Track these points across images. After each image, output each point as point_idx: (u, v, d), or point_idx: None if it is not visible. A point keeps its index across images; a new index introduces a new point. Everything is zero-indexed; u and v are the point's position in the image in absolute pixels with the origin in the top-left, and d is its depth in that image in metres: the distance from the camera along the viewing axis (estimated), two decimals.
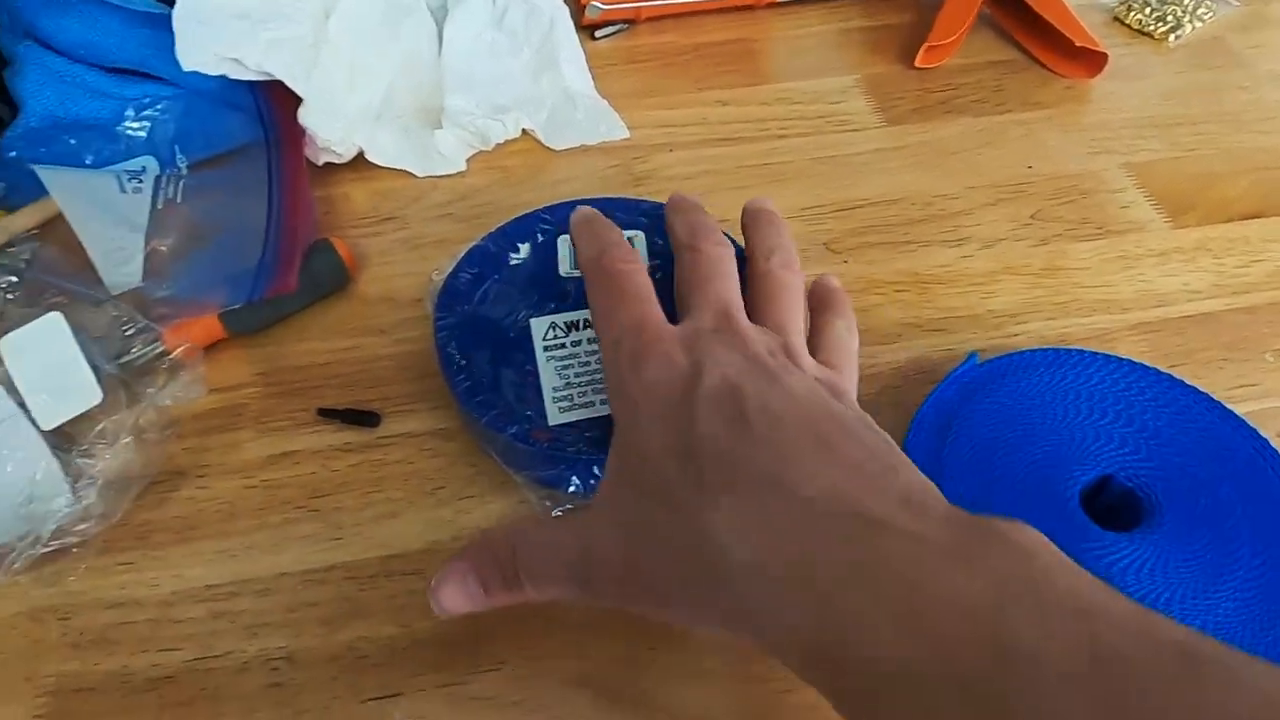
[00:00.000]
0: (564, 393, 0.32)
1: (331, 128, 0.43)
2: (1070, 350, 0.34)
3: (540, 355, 0.33)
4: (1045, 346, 0.35)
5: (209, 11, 0.41)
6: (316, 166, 0.44)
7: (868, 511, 0.21)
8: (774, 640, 0.22)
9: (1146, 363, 0.37)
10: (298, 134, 0.44)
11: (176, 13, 0.40)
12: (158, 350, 0.34)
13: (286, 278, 0.36)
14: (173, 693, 0.28)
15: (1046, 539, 0.20)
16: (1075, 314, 0.39)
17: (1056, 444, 0.31)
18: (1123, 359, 0.34)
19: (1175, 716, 0.16)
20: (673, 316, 0.29)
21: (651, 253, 0.37)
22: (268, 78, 0.42)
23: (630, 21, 0.55)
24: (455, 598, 0.27)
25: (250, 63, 0.42)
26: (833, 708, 0.21)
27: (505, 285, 0.35)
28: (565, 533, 0.26)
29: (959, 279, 0.41)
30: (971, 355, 0.34)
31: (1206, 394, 0.33)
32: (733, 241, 0.36)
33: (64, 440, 0.31)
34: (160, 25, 0.43)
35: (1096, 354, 0.34)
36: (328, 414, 0.35)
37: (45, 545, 0.29)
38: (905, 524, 0.21)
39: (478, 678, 0.29)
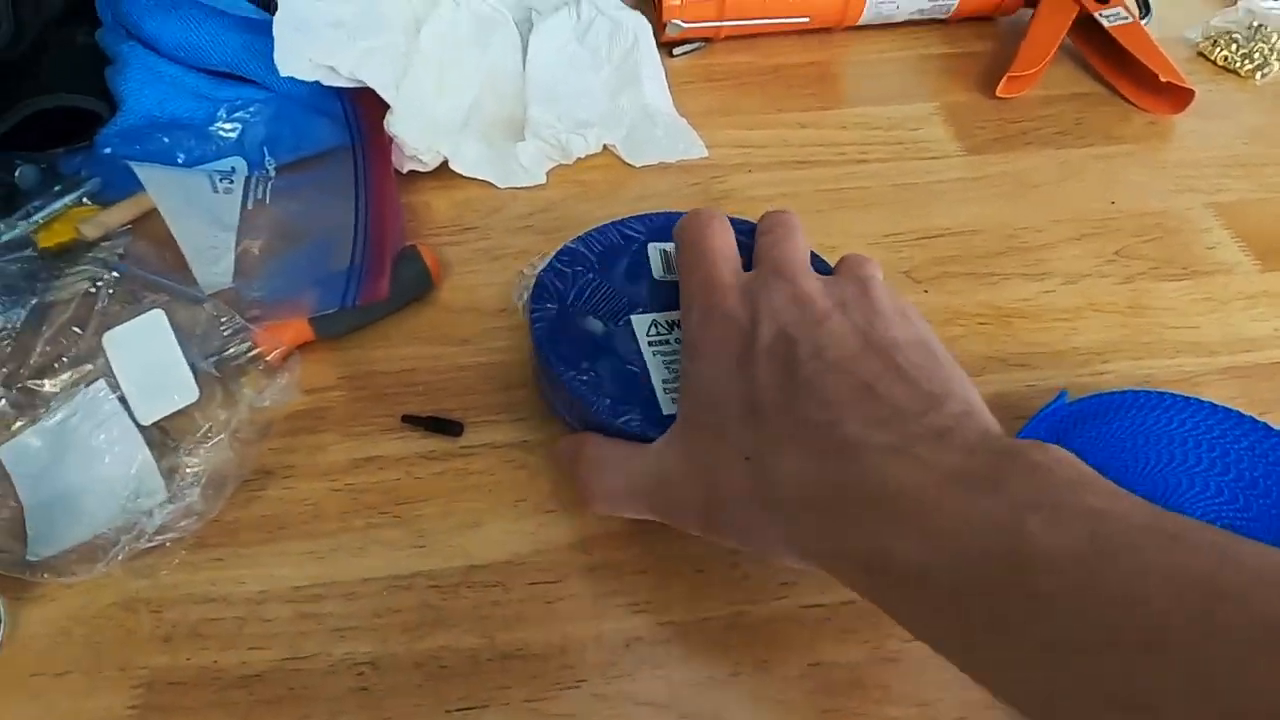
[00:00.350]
0: (674, 384, 0.31)
1: (419, 136, 0.43)
2: (1164, 393, 0.34)
3: (645, 351, 0.32)
4: (1135, 388, 0.34)
5: (307, 19, 0.42)
6: (400, 174, 0.45)
7: (896, 447, 0.24)
8: (821, 559, 0.26)
9: (1239, 409, 0.36)
10: (384, 141, 0.44)
11: (277, 19, 0.41)
12: (252, 351, 0.34)
13: (378, 285, 0.37)
14: (262, 690, 0.29)
15: (1068, 454, 0.23)
16: (1161, 355, 0.39)
17: (1151, 490, 0.31)
18: (1218, 405, 0.33)
19: (1147, 573, 0.19)
20: None
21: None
22: (360, 84, 0.43)
23: (708, 40, 0.55)
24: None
25: (344, 70, 0.43)
26: (871, 602, 0.25)
27: (596, 285, 0.35)
28: (639, 462, 0.29)
29: (1042, 314, 0.40)
30: (1062, 393, 0.34)
31: None
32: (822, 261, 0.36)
33: (162, 436, 0.32)
34: (256, 30, 0.44)
35: (1189, 399, 0.33)
36: (412, 421, 0.36)
37: (149, 540, 0.29)
38: (930, 456, 0.23)
39: (560, 694, 0.29)
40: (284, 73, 0.41)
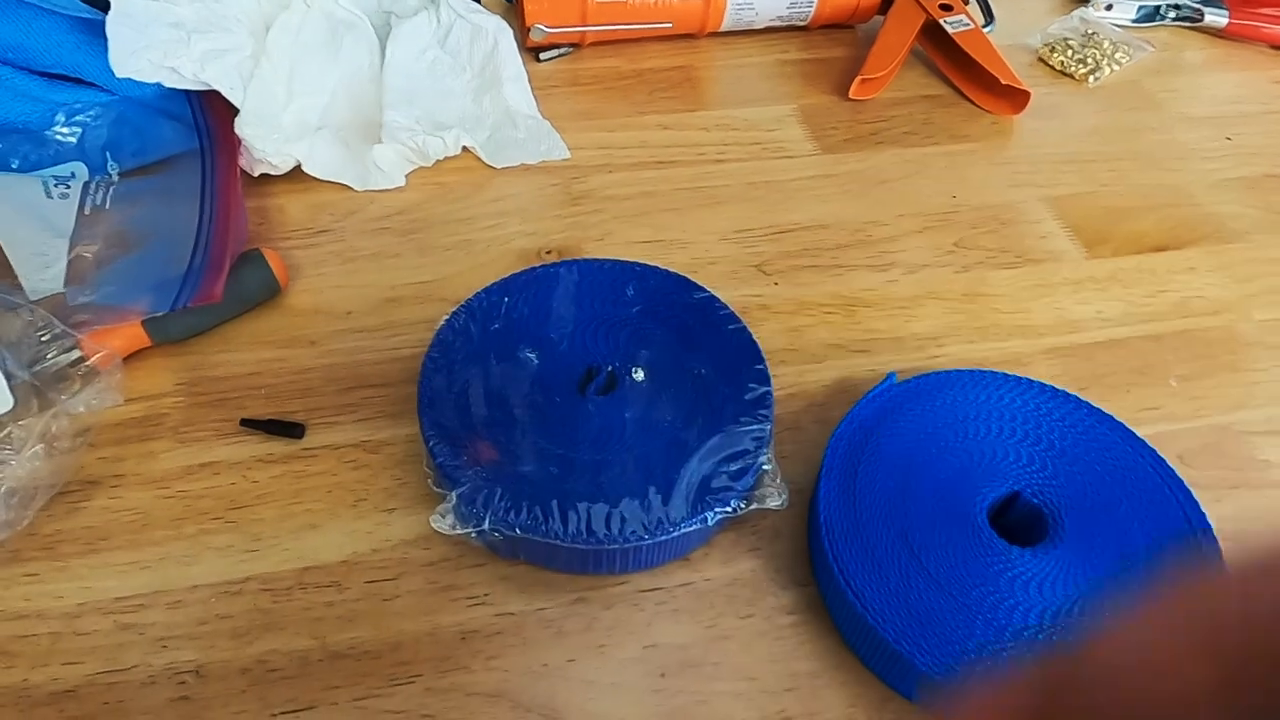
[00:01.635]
0: None
1: (268, 139, 0.43)
2: (983, 371, 0.35)
3: None
4: (960, 368, 0.36)
5: (143, 19, 0.41)
6: (252, 177, 0.44)
7: None
8: None
9: (1058, 385, 0.38)
10: (234, 144, 0.43)
11: (110, 18, 0.40)
12: (74, 357, 0.33)
13: (212, 288, 0.36)
14: (74, 707, 0.28)
15: None
16: (993, 338, 0.41)
17: (967, 461, 0.32)
18: (1033, 381, 0.35)
19: None
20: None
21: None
22: (204, 87, 0.42)
23: (575, 45, 0.55)
24: None
25: (186, 72, 0.42)
26: None
27: None
28: None
29: (884, 302, 0.42)
30: (890, 375, 0.35)
31: (1111, 416, 0.34)
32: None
33: None
34: (93, 30, 0.42)
35: (1008, 376, 0.35)
36: (251, 424, 0.35)
37: None
38: None
39: (392, 691, 0.29)
40: (120, 74, 0.40)
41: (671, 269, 0.39)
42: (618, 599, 0.31)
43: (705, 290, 0.38)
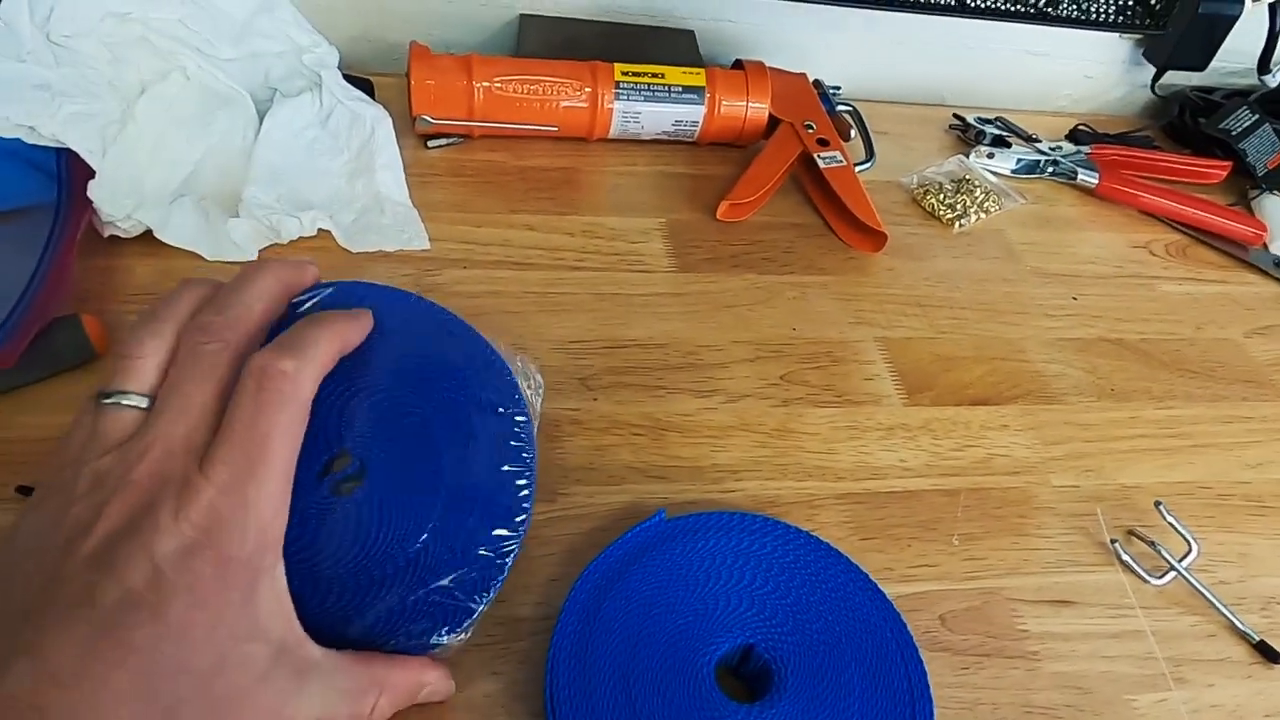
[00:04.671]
0: None
1: (118, 204, 0.44)
2: (751, 516, 0.36)
3: None
4: (733, 511, 0.37)
5: (9, 79, 0.42)
6: (102, 237, 0.45)
7: None
8: None
9: (845, 531, 0.40)
10: (87, 204, 0.44)
11: None
12: None
13: (9, 353, 0.37)
14: None
15: None
16: (792, 477, 0.42)
17: (712, 608, 0.33)
18: (799, 530, 0.36)
19: None
20: None
21: None
22: (62, 145, 0.43)
23: (465, 136, 0.57)
24: None
25: (45, 131, 0.43)
26: None
27: None
28: None
29: (697, 429, 0.43)
30: (659, 511, 0.36)
31: (864, 573, 0.35)
32: None
33: None
34: None
35: (776, 522, 0.36)
36: (26, 491, 0.35)
37: None
38: None
39: None
40: None
41: None
42: None
43: (522, 411, 0.34)
